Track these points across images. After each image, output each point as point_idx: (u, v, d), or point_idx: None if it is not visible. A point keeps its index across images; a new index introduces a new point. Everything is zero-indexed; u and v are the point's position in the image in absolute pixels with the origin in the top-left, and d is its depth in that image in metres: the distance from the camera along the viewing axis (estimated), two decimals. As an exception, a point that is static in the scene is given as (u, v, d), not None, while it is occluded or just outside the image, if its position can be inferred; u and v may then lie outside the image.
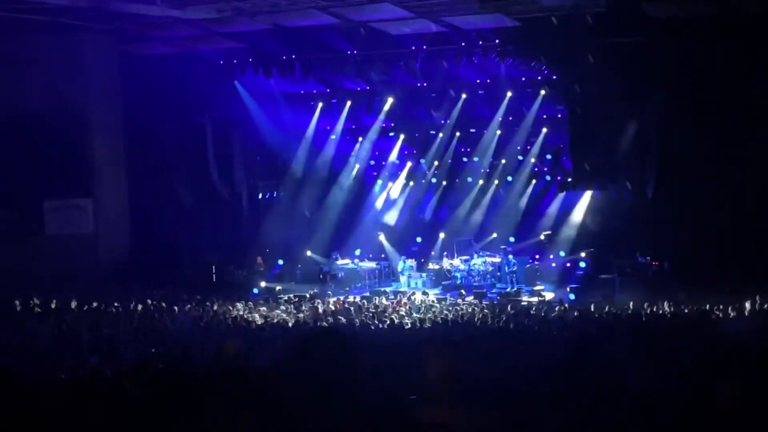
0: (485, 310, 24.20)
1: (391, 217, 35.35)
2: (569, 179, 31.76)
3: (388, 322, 21.95)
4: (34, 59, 29.89)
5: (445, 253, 32.41)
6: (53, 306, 23.94)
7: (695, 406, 6.75)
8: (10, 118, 29.69)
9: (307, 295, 28.77)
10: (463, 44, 30.39)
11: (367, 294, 29.53)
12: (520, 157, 33.99)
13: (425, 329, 20.32)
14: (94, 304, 24.48)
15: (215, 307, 25.46)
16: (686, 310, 22.46)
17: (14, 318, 22.31)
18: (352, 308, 25.20)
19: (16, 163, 29.86)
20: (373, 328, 20.82)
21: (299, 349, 4.00)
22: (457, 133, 34.17)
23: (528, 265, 31.27)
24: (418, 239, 34.29)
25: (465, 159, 34.91)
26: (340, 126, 34.93)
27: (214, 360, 14.10)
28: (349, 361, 3.95)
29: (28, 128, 29.70)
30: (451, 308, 25.53)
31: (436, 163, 35.01)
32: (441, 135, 34.28)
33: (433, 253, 33.23)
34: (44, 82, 30.01)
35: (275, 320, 22.63)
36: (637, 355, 13.06)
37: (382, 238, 34.00)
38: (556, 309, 24.07)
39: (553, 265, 31.78)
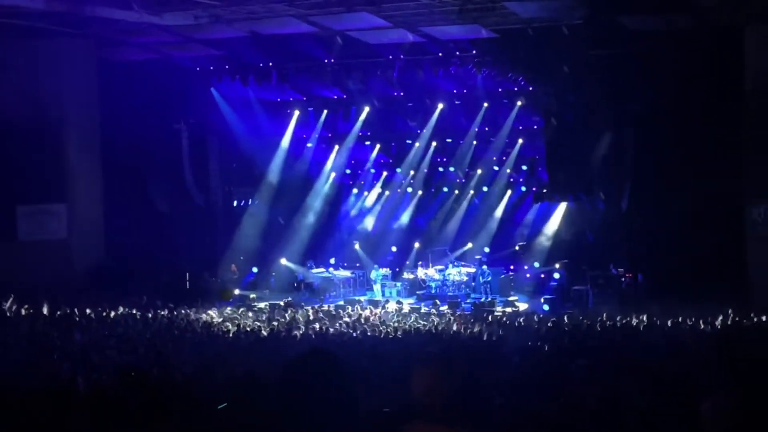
0: (459, 321, 24.22)
1: (367, 226, 35.36)
2: (544, 190, 31.86)
3: (362, 331, 21.92)
4: (10, 64, 29.68)
5: (420, 262, 32.46)
6: (25, 312, 23.73)
7: (669, 417, 6.79)
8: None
9: (281, 303, 28.70)
10: (440, 54, 30.45)
11: (342, 303, 29.48)
12: (496, 168, 34.13)
13: (398, 339, 20.29)
14: (67, 311, 24.31)
15: (190, 315, 25.34)
16: (659, 323, 22.54)
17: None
18: (326, 317, 25.16)
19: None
20: (345, 338, 20.77)
21: (291, 371, 3.97)
22: (434, 143, 34.24)
23: (502, 276, 31.34)
24: (393, 248, 34.30)
25: (441, 169, 35.00)
26: (316, 134, 34.93)
27: (187, 368, 14.03)
28: (341, 383, 3.93)
29: (2, 132, 29.48)
30: (425, 318, 25.54)
31: (412, 172, 35.06)
32: (417, 144, 34.34)
33: (408, 262, 33.25)
34: (20, 87, 29.79)
35: (248, 328, 22.53)
36: (610, 366, 13.10)
37: (357, 247, 34.00)
38: (530, 320, 24.11)
39: (528, 275, 31.90)
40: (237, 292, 31.29)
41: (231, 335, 21.03)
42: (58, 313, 24.03)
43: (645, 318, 23.27)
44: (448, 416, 4.49)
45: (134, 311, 24.94)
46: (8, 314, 23.53)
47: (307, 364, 3.95)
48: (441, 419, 4.47)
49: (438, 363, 4.85)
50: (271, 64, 32.10)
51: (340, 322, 24.04)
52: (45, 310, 23.89)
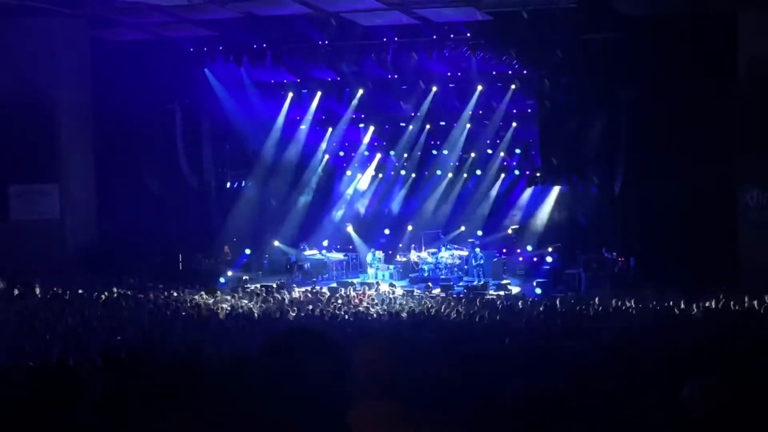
0: (452, 303, 24.27)
1: (360, 208, 35.37)
2: (538, 174, 31.86)
3: (355, 313, 21.97)
4: (2, 43, 29.60)
5: (413, 245, 32.46)
6: (17, 293, 23.74)
7: (661, 402, 6.81)
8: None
9: (274, 285, 28.71)
10: (434, 37, 30.42)
11: (334, 285, 29.50)
12: (490, 151, 34.09)
13: (390, 322, 20.33)
14: (59, 291, 24.31)
15: (181, 296, 25.36)
16: (650, 306, 22.61)
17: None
18: (318, 299, 25.20)
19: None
20: (339, 319, 20.81)
21: (272, 347, 3.97)
22: (427, 126, 34.18)
23: (495, 259, 31.36)
24: (386, 231, 34.28)
25: (434, 152, 34.92)
26: (310, 116, 34.83)
27: (178, 349, 14.03)
28: (324, 360, 3.92)
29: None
30: (417, 301, 25.59)
31: (405, 155, 35.00)
32: (411, 127, 34.27)
33: (401, 245, 33.25)
34: (12, 66, 29.73)
35: (241, 310, 22.56)
36: (601, 350, 13.15)
37: (350, 229, 34.00)
38: (522, 303, 24.17)
39: (520, 259, 31.96)
40: (230, 273, 31.31)
41: (223, 317, 21.06)
42: (50, 293, 24.05)
43: (636, 302, 23.32)
44: (394, 392, 4.49)
45: (126, 292, 24.95)
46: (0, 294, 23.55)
47: (291, 341, 3.94)
48: (388, 395, 4.47)
49: (382, 339, 4.84)
50: (265, 45, 32.03)
51: (333, 304, 24.08)
52: (37, 291, 23.90)
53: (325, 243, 33.44)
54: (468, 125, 33.56)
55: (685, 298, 22.82)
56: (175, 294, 25.62)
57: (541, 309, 22.14)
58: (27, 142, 29.98)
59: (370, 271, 31.55)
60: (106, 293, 24.37)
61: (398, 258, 32.22)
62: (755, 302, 22.41)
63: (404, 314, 21.58)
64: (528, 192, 33.17)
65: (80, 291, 24.59)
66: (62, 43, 30.81)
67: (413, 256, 31.86)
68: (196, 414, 4.81)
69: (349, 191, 35.59)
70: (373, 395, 4.40)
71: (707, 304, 22.41)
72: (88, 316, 20.12)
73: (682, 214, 27.91)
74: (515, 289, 29.05)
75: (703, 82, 27.12)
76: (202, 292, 26.23)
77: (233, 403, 4.12)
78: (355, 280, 30.39)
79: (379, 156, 35.52)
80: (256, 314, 21.56)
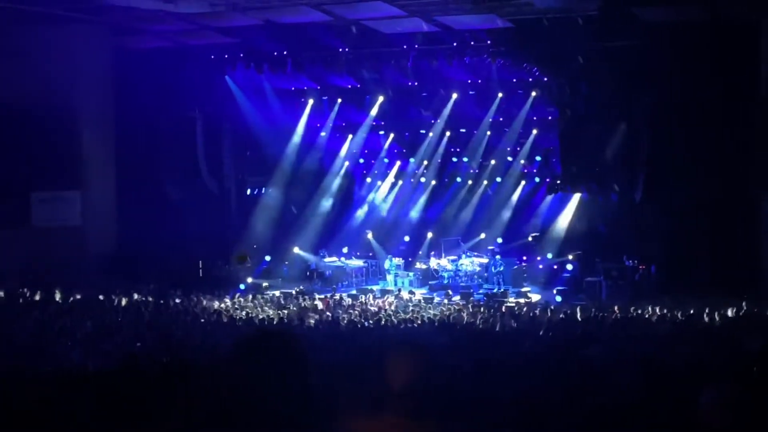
0: (471, 311, 24.23)
1: (380, 216, 35.35)
2: (558, 182, 31.78)
3: (374, 320, 21.97)
4: (26, 50, 29.75)
5: (433, 252, 32.41)
6: (38, 298, 23.85)
7: (681, 412, 6.77)
8: (1, 109, 29.54)
9: (294, 292, 28.74)
10: (454, 44, 30.41)
11: (354, 292, 29.50)
12: (510, 159, 34.00)
13: (410, 329, 20.32)
14: (79, 297, 24.42)
15: (202, 303, 25.42)
16: (671, 315, 22.50)
17: (-1, 309, 22.24)
18: (338, 306, 25.21)
19: (5, 154, 29.72)
20: (359, 326, 20.81)
21: (244, 347, 3.99)
22: (447, 133, 34.14)
23: (515, 267, 31.26)
24: (406, 238, 34.24)
25: (454, 159, 34.87)
26: (330, 123, 34.88)
27: (198, 355, 14.08)
28: (294, 362, 3.93)
29: (17, 119, 29.56)
30: (437, 308, 25.57)
31: (425, 162, 34.97)
32: (431, 134, 34.24)
33: (420, 252, 33.20)
34: (35, 74, 29.86)
35: (260, 316, 22.60)
36: (622, 359, 13.09)
37: (369, 236, 33.98)
38: (542, 311, 24.10)
39: (540, 266, 31.83)
40: (250, 280, 31.36)
41: (242, 323, 21.09)
42: (71, 299, 24.16)
43: (657, 310, 23.22)
44: (417, 410, 4.47)
45: (147, 298, 25.03)
46: (21, 300, 23.66)
47: (257, 344, 3.96)
48: (410, 414, 4.45)
49: (402, 347, 4.83)
50: (285, 52, 32.10)
51: (352, 311, 24.09)
52: (57, 297, 24.01)
53: (345, 250, 33.43)
54: (488, 132, 33.52)
55: (706, 306, 22.70)
56: (195, 300, 25.69)
57: (561, 317, 22.07)
58: (49, 149, 30.15)
59: (389, 278, 31.53)
60: (126, 299, 24.45)
61: (418, 265, 32.16)
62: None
63: (424, 322, 21.56)
64: (548, 199, 33.06)
65: (100, 297, 24.69)
66: (84, 51, 30.95)
67: (433, 263, 31.81)
68: (214, 418, 4.82)
69: (369, 198, 35.58)
70: (392, 405, 4.40)
71: (728, 312, 22.28)
72: (108, 322, 20.21)
73: (703, 222, 27.80)
74: (535, 297, 28.96)
75: (723, 89, 27.02)
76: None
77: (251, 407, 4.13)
78: (374, 287, 30.38)
79: (399, 163, 35.49)
80: (275, 321, 21.59)
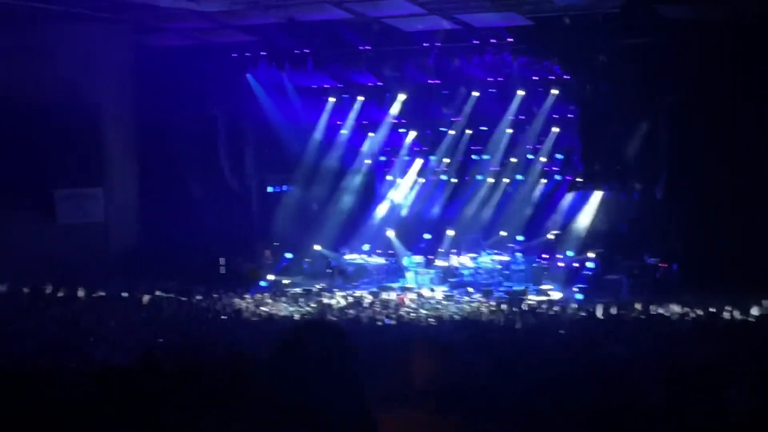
0: (492, 308, 24.23)
1: (400, 213, 35.36)
2: (579, 179, 31.69)
3: (396, 317, 22.01)
4: (48, 49, 29.91)
5: (453, 250, 32.39)
6: (61, 294, 24.00)
7: (704, 409, 6.76)
8: (24, 107, 29.69)
9: (314, 289, 28.80)
10: (475, 42, 30.38)
11: (375, 289, 29.54)
12: (531, 156, 33.90)
13: (431, 326, 20.35)
14: (102, 293, 24.56)
15: (223, 300, 25.53)
16: (693, 313, 22.44)
17: (23, 306, 22.38)
18: (359, 303, 25.26)
19: (28, 152, 29.90)
20: (379, 324, 20.86)
21: (287, 341, 4.00)
22: (468, 131, 34.11)
23: (536, 264, 31.17)
24: (427, 236, 34.23)
25: (475, 157, 34.83)
26: (351, 121, 34.92)
27: (219, 352, 14.12)
28: (341, 355, 3.94)
29: (40, 117, 29.73)
30: (457, 306, 25.57)
31: (446, 160, 34.95)
32: (452, 132, 34.24)
33: (441, 250, 33.18)
34: (57, 72, 30.00)
35: (282, 313, 22.68)
36: (643, 356, 13.07)
37: (390, 234, 33.98)
38: (563, 309, 24.07)
39: (561, 264, 31.73)
40: (271, 277, 31.45)
41: (263, 320, 21.17)
42: (94, 296, 24.30)
43: (679, 308, 23.14)
44: (435, 403, 4.49)
45: (169, 295, 25.15)
46: (45, 297, 23.82)
47: (306, 335, 3.96)
48: (427, 406, 4.47)
49: (423, 344, 4.85)
50: (307, 50, 32.16)
51: (373, 309, 24.13)
52: (81, 293, 24.14)
53: (366, 247, 33.46)
54: (509, 130, 33.46)
55: (729, 305, 22.61)
56: (216, 297, 25.80)
57: (582, 315, 22.03)
58: (73, 146, 30.30)
59: (410, 275, 31.53)
60: (148, 296, 24.58)
61: (438, 262, 32.15)
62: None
63: (444, 319, 21.58)
64: (569, 197, 32.97)
65: (123, 293, 24.82)
66: (106, 49, 31.10)
67: (453, 260, 31.78)
68: (238, 416, 4.86)
69: (390, 196, 35.58)
70: (411, 400, 4.42)
71: (752, 310, 22.20)
72: (130, 318, 20.32)
73: (725, 220, 27.65)
74: (556, 295, 28.90)
75: (746, 87, 26.86)
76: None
77: (275, 404, 4.15)
78: (395, 285, 30.40)
79: (419, 161, 35.48)
80: (296, 318, 21.66)
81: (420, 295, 27.90)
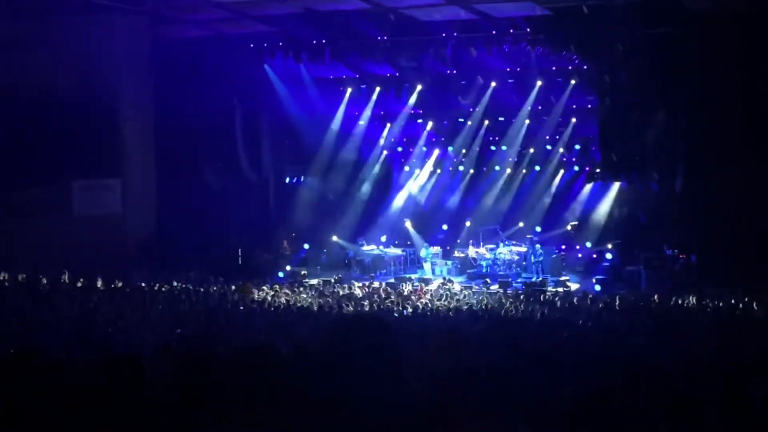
0: (510, 300, 24.17)
1: (418, 204, 35.34)
2: (597, 170, 31.58)
3: (412, 308, 21.98)
4: (66, 40, 29.94)
5: (471, 241, 32.35)
6: (79, 285, 24.05)
7: (724, 401, 6.71)
8: (42, 98, 29.73)
9: (332, 280, 28.81)
10: (493, 32, 30.27)
11: (392, 280, 29.53)
12: (549, 147, 33.86)
13: (450, 317, 20.31)
14: (120, 284, 24.60)
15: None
16: (712, 304, 22.32)
17: (41, 296, 22.45)
18: (376, 294, 25.23)
19: (47, 143, 29.94)
20: (396, 314, 20.83)
21: (338, 334, 3.97)
22: (486, 122, 34.07)
23: (554, 255, 31.12)
24: (444, 227, 34.22)
25: (493, 147, 34.79)
26: (368, 112, 34.90)
27: (238, 343, 14.13)
28: (390, 349, 3.91)
29: (58, 108, 29.74)
30: (475, 297, 25.52)
31: (463, 151, 34.91)
32: (469, 123, 34.20)
33: (458, 241, 33.16)
34: (75, 63, 30.03)
35: (299, 304, 22.67)
36: (661, 348, 13.01)
37: (408, 224, 33.97)
38: (581, 300, 23.99)
39: (580, 255, 31.71)
40: (288, 268, 31.50)
41: (281, 311, 21.17)
42: (112, 286, 24.34)
43: (697, 300, 23.03)
44: (453, 387, 4.47)
45: (187, 286, 25.18)
46: (64, 287, 23.86)
47: (355, 328, 3.94)
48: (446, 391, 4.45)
49: (442, 335, 4.83)
50: (324, 41, 32.10)
51: (391, 299, 24.10)
52: (99, 284, 24.19)
53: (383, 238, 33.48)
54: (527, 121, 33.40)
55: (748, 297, 22.48)
56: (234, 288, 25.81)
57: (600, 306, 21.95)
58: (90, 138, 30.29)
59: (426, 266, 31.53)
60: (166, 286, 24.61)
61: (456, 254, 32.12)
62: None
63: (463, 310, 21.53)
64: (587, 188, 32.88)
65: (141, 284, 24.87)
66: (124, 40, 31.08)
67: (471, 251, 31.75)
68: (259, 406, 4.85)
69: (407, 187, 35.55)
70: (432, 389, 4.40)
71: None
72: (148, 309, 20.35)
73: (744, 211, 27.48)
74: (574, 286, 28.85)
75: (765, 80, 26.67)
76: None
77: (297, 395, 4.12)
78: (412, 276, 30.40)
79: (437, 151, 35.45)
80: (315, 308, 21.64)
81: (438, 286, 27.83)
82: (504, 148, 34.32)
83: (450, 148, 35.05)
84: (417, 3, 28.17)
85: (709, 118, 28.18)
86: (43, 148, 29.84)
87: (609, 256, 30.27)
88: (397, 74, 33.66)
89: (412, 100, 34.09)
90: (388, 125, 35.18)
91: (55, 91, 29.72)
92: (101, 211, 31.06)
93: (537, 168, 34.17)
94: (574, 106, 32.55)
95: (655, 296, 23.92)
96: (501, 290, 27.39)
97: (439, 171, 35.61)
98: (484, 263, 31.15)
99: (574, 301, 23.91)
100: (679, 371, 9.82)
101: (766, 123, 27.06)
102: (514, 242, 31.77)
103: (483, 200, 34.56)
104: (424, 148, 35.60)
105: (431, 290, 26.88)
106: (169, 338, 15.17)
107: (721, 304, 22.13)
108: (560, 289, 27.74)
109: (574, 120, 32.80)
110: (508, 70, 32.57)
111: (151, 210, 32.48)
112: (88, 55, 30.25)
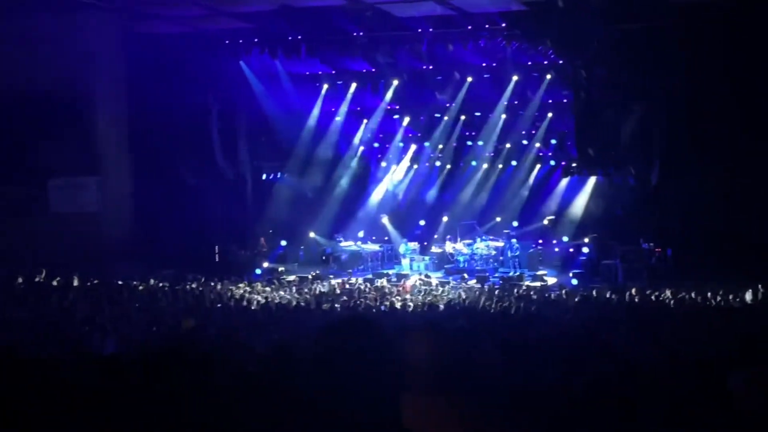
0: (487, 294, 24.21)
1: (395, 200, 35.35)
2: (574, 165, 31.71)
3: (389, 304, 21.98)
4: (39, 36, 29.70)
5: (448, 236, 32.41)
6: (55, 283, 23.91)
7: (702, 393, 6.74)
8: (16, 95, 29.46)
9: (310, 277, 28.80)
10: (469, 27, 30.29)
11: (370, 276, 29.53)
12: (525, 142, 33.98)
13: (427, 312, 20.31)
14: (97, 282, 24.48)
15: (217, 288, 25.47)
16: (688, 297, 22.45)
17: (17, 295, 22.30)
18: (353, 290, 25.23)
19: (21, 141, 29.72)
20: (374, 310, 20.82)
21: (329, 337, 3.95)
22: (462, 117, 34.12)
23: (531, 250, 31.25)
24: (422, 222, 34.26)
25: (469, 142, 34.87)
26: (344, 108, 34.86)
27: (215, 341, 14.09)
28: (377, 349, 3.90)
29: (33, 106, 29.52)
30: (453, 292, 25.55)
31: (440, 146, 34.97)
32: (446, 118, 34.24)
33: (436, 236, 33.21)
34: (49, 60, 29.79)
35: (277, 301, 22.63)
36: (639, 341, 13.05)
37: (385, 220, 34.00)
38: (558, 294, 24.08)
39: (556, 250, 31.82)
40: (266, 265, 31.46)
41: (260, 308, 21.12)
42: (88, 284, 24.22)
43: (673, 293, 23.15)
44: (444, 387, 4.46)
45: (164, 284, 25.09)
46: (40, 286, 23.73)
47: (343, 332, 3.92)
48: (436, 390, 4.44)
49: (422, 330, 4.82)
50: (300, 37, 32.02)
51: (367, 295, 24.10)
52: (75, 282, 24.06)
53: (361, 234, 33.50)
54: (503, 116, 33.47)
55: (723, 290, 22.62)
56: (212, 285, 25.75)
57: (577, 300, 22.03)
58: (65, 135, 30.07)
59: (405, 262, 31.57)
60: (143, 285, 24.51)
61: (433, 249, 32.18)
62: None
63: (440, 305, 21.55)
64: (564, 182, 33.02)
65: (118, 282, 24.76)
66: (98, 37, 30.84)
67: (448, 247, 31.81)
68: (234, 406, 4.82)
69: (384, 182, 35.56)
70: (416, 387, 4.38)
71: (746, 295, 22.21)
72: (125, 307, 20.26)
73: (720, 205, 27.65)
74: (551, 280, 28.95)
75: (743, 73, 26.81)
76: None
77: (277, 395, 4.11)
78: (390, 272, 30.43)
79: (414, 147, 35.48)
80: (293, 305, 21.61)
81: (415, 282, 27.85)
82: (480, 143, 34.40)
83: (427, 144, 35.09)
84: (393, -2, 28.17)
85: (685, 112, 28.33)
86: (17, 146, 29.62)
87: (586, 250, 30.38)
88: (374, 70, 33.63)
89: (389, 95, 34.07)
90: (365, 121, 35.17)
91: (27, 89, 29.45)
92: (77, 210, 30.87)
93: (514, 163, 34.27)
94: (551, 101, 32.66)
95: (632, 290, 24.03)
96: (478, 285, 27.42)
97: (416, 166, 35.65)
98: (461, 258, 31.22)
99: (551, 295, 23.99)
100: (656, 364, 9.86)
101: (743, 117, 27.21)
102: (491, 237, 31.85)
103: (460, 195, 34.62)
104: (401, 144, 35.62)
105: (412, 285, 26.90)
106: (146, 336, 15.11)
107: (698, 298, 22.26)
108: (537, 284, 27.83)
109: (550, 115, 32.92)
110: (484, 65, 32.62)
111: (127, 208, 32.27)
112: (62, 52, 29.97)
